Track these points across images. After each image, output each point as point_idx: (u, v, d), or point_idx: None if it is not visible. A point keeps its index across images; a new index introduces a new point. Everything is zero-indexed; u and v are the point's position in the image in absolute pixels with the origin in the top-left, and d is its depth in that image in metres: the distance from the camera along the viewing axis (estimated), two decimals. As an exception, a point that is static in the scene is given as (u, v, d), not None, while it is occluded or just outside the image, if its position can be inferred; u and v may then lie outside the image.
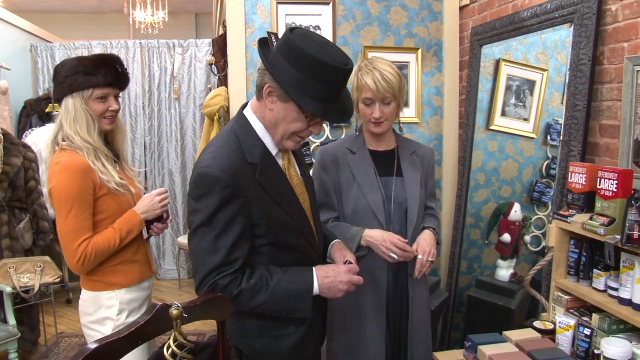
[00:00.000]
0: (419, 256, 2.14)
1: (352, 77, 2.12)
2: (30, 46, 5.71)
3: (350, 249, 2.05)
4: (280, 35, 1.64)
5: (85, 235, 1.99)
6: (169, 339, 1.33)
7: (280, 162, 1.75)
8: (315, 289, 1.68)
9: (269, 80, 1.60)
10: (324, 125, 3.36)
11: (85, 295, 2.13)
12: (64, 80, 2.04)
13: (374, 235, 2.14)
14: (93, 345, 1.24)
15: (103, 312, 2.09)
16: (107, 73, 2.08)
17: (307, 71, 1.54)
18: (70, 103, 2.05)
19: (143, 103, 5.86)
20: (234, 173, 1.58)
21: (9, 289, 3.39)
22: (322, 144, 3.34)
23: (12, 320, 3.37)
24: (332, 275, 1.70)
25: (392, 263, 2.17)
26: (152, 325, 1.31)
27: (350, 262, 1.80)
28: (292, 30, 1.59)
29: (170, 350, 1.32)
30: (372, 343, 2.24)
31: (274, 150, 1.71)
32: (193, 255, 1.67)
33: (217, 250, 1.59)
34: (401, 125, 2.40)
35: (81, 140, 2.03)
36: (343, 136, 3.39)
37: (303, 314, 1.70)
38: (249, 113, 1.71)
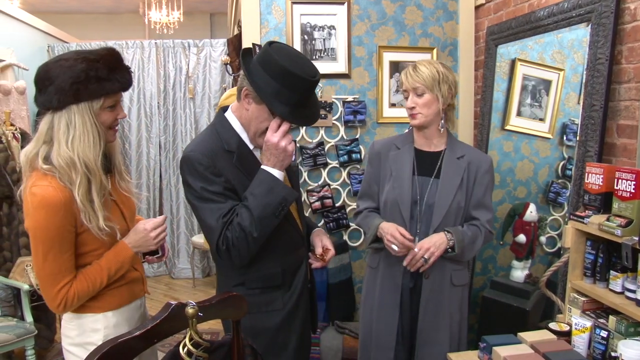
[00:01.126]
0: (415, 249, 2.16)
1: None
2: (48, 46, 5.76)
3: (368, 239, 2.33)
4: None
5: (66, 279, 1.70)
6: (184, 337, 1.34)
7: (258, 154, 1.92)
8: (275, 172, 1.82)
9: (247, 84, 1.82)
10: (339, 126, 3.37)
11: (67, 316, 1.84)
12: (69, 87, 1.64)
13: (385, 227, 2.23)
14: (108, 344, 1.25)
15: (87, 336, 1.80)
16: (122, 77, 1.75)
17: (278, 79, 1.76)
18: (76, 116, 1.68)
19: (158, 103, 5.90)
20: (213, 156, 1.82)
21: (26, 287, 3.43)
22: (336, 144, 3.37)
23: (29, 317, 3.41)
24: (272, 153, 1.81)
25: (395, 256, 2.21)
26: (167, 323, 1.32)
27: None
28: (270, 44, 1.82)
29: (186, 349, 1.32)
30: (383, 337, 2.30)
31: (251, 145, 1.92)
32: (201, 227, 1.90)
33: (212, 215, 1.81)
34: (447, 126, 2.33)
35: (81, 164, 1.68)
36: (357, 135, 3.42)
37: (291, 196, 1.86)
38: (228, 114, 1.94)
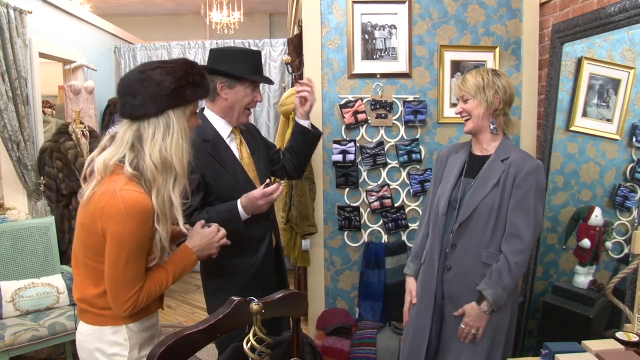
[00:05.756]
0: (461, 325, 2.25)
1: None
2: (114, 47, 5.96)
3: None
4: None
5: (139, 284, 1.69)
6: (248, 333, 1.37)
7: (233, 143, 2.43)
8: (242, 212, 2.28)
9: (218, 80, 2.32)
10: (399, 125, 3.36)
11: (85, 330, 1.78)
12: (170, 92, 1.67)
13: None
14: (173, 337, 1.30)
15: (109, 348, 1.74)
16: (207, 84, 1.81)
17: (238, 60, 2.33)
18: (174, 119, 1.70)
19: (218, 102, 6.01)
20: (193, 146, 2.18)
21: (93, 278, 3.56)
22: (396, 144, 3.36)
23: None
24: (251, 205, 2.26)
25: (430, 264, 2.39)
26: (230, 319, 1.36)
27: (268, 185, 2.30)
28: (211, 50, 2.42)
29: (249, 344, 1.35)
30: (417, 343, 2.40)
31: (224, 134, 2.40)
32: None
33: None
34: (503, 129, 2.36)
35: (176, 165, 1.71)
36: (418, 135, 3.41)
37: (239, 233, 2.25)
38: (206, 111, 2.42)
